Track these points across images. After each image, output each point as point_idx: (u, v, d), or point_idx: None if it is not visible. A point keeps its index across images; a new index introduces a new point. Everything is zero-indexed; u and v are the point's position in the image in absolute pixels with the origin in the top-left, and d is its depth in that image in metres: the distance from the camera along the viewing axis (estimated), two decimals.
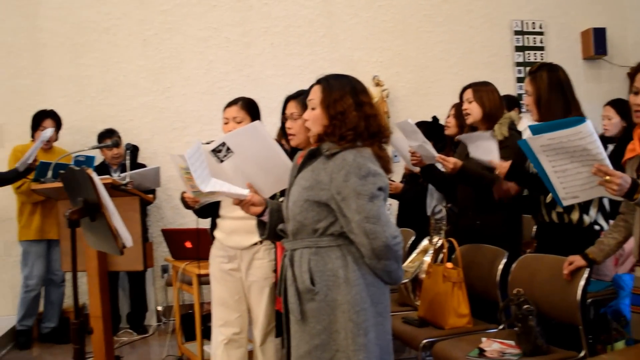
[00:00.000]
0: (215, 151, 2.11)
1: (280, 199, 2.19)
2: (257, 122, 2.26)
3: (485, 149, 2.73)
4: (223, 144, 2.11)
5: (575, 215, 2.57)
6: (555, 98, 2.53)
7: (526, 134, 4.03)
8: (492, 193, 2.87)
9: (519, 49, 5.89)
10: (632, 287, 2.45)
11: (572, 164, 1.97)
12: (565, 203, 2.10)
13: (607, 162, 1.92)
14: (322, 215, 1.84)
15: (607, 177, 1.88)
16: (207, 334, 3.40)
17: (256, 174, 2.14)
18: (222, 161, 2.11)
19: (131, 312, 4.76)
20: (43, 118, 4.37)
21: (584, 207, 2.56)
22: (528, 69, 5.72)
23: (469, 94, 3.04)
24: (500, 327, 2.64)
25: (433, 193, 3.64)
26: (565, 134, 1.91)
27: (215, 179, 2.03)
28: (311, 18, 5.40)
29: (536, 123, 2.42)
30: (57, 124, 4.42)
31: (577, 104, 2.57)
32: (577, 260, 2.32)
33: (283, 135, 2.39)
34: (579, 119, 1.93)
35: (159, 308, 4.96)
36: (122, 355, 3.78)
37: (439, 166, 3.08)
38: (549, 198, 2.60)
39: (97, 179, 2.28)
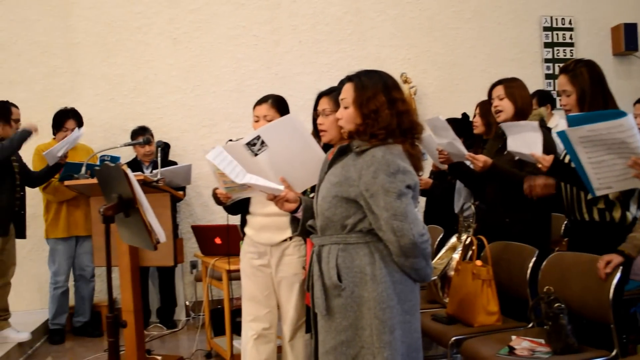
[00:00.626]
0: (250, 144, 2.10)
1: (311, 195, 2.20)
2: (292, 114, 2.25)
3: (527, 140, 2.63)
4: (258, 137, 2.09)
5: (617, 213, 2.48)
6: (598, 94, 2.47)
7: (556, 131, 3.97)
8: (522, 190, 2.82)
9: (547, 45, 5.82)
10: None
11: (609, 155, 1.99)
12: (598, 193, 2.13)
13: None
14: (351, 211, 1.85)
15: None
16: (236, 329, 3.45)
17: (290, 168, 2.14)
18: (256, 155, 2.11)
19: (161, 307, 4.85)
20: (65, 117, 4.41)
21: (624, 203, 2.49)
22: (560, 66, 5.68)
23: (499, 90, 2.99)
24: (530, 325, 2.62)
25: (461, 190, 3.62)
26: (605, 127, 1.92)
27: (250, 174, 2.05)
28: (339, 16, 5.42)
29: (574, 114, 2.39)
30: (79, 122, 4.47)
31: (613, 99, 2.50)
32: (615, 257, 2.26)
33: (315, 131, 2.40)
34: (618, 112, 1.95)
35: (188, 303, 5.04)
36: (153, 349, 3.86)
37: (468, 163, 3.05)
38: (589, 195, 2.54)
39: (132, 175, 2.33)
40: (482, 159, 2.83)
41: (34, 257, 4.90)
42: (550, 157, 2.49)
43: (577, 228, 2.67)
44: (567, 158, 2.54)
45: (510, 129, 2.77)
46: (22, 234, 4.09)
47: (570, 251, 2.67)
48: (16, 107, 3.94)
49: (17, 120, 3.91)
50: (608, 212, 2.50)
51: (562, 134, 2.06)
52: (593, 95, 2.46)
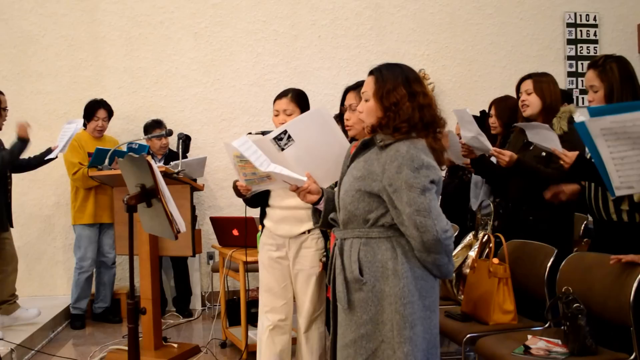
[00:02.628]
0: (277, 139, 2.10)
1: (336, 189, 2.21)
2: (321, 107, 2.24)
3: (544, 137, 2.61)
4: (285, 132, 2.09)
5: None
6: (628, 91, 2.38)
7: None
8: (546, 188, 2.77)
9: (570, 42, 5.73)
10: None
11: (633, 151, 1.83)
12: (618, 193, 1.97)
13: None
14: (373, 206, 1.85)
15: None
16: (251, 320, 3.50)
17: (317, 162, 2.14)
18: (283, 149, 2.11)
19: (177, 296, 4.92)
20: (96, 108, 4.54)
21: None
22: (583, 63, 5.62)
23: (528, 84, 2.92)
24: (547, 325, 2.61)
25: (479, 186, 3.59)
26: (631, 118, 1.77)
27: (274, 164, 2.05)
28: (358, 11, 5.41)
29: (596, 106, 2.29)
30: (109, 113, 4.59)
31: None
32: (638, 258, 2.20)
33: (341, 126, 2.41)
34: None
35: (204, 293, 5.11)
36: (169, 337, 3.92)
37: (492, 159, 3.02)
38: None
39: (155, 166, 2.37)
40: (508, 154, 2.78)
41: (60, 245, 5.00)
42: (574, 154, 2.44)
43: (602, 228, 2.58)
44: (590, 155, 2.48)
45: (527, 127, 2.74)
46: (9, 223, 4.01)
47: (593, 251, 2.61)
48: (2, 94, 3.90)
49: (5, 109, 3.89)
50: (637, 212, 2.41)
51: (581, 125, 1.89)
52: (622, 92, 2.38)
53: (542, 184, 2.79)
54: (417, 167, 1.77)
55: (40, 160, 4.15)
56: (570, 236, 2.98)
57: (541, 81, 2.91)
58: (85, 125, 4.52)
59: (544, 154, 2.83)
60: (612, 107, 1.87)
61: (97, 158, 4.05)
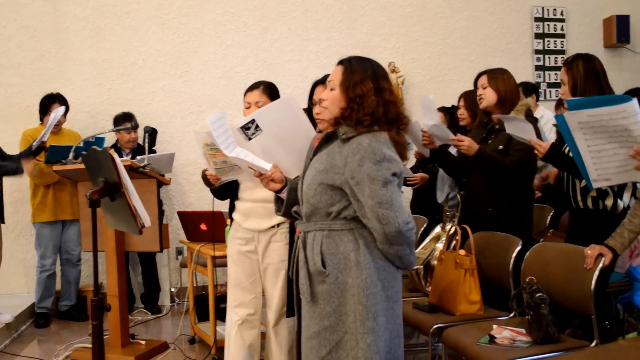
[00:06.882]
0: (244, 128, 2.08)
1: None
2: (289, 96, 2.23)
3: (521, 128, 2.69)
4: (252, 121, 2.08)
5: (609, 201, 2.54)
6: (591, 87, 2.55)
7: (543, 121, 3.99)
8: (505, 179, 2.86)
9: (538, 36, 5.81)
10: None
11: (610, 144, 1.86)
12: (596, 185, 2.01)
13: None
14: (336, 198, 1.85)
15: None
16: (219, 315, 3.47)
17: (284, 152, 2.13)
18: (250, 139, 2.09)
19: (145, 292, 4.85)
20: (51, 102, 4.42)
21: (618, 192, 2.53)
22: (550, 57, 5.70)
23: (483, 79, 3.03)
24: (512, 315, 2.64)
25: (444, 180, 3.63)
26: (607, 112, 1.80)
27: (240, 148, 2.03)
28: (329, 3, 5.39)
29: (574, 98, 2.38)
30: (65, 106, 4.45)
31: (612, 93, 2.55)
32: (607, 254, 2.26)
33: (310, 120, 2.39)
34: (622, 96, 1.82)
35: (173, 289, 5.05)
36: (137, 334, 3.87)
37: (452, 150, 3.06)
38: (583, 182, 2.54)
39: (119, 160, 2.33)
40: (467, 141, 2.85)
41: (21, 242, 4.88)
42: (547, 144, 2.56)
43: (575, 216, 2.73)
44: (567, 149, 2.55)
45: (505, 119, 2.81)
46: (1, 220, 4.04)
47: (569, 240, 2.71)
48: None
49: None
50: (601, 200, 2.55)
51: (560, 118, 1.92)
52: (585, 87, 2.55)
53: (500, 174, 2.87)
54: (379, 160, 1.78)
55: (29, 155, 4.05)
56: (529, 227, 3.03)
57: (496, 76, 3.01)
58: (42, 120, 4.41)
59: (500, 147, 2.91)
60: (589, 101, 1.90)
61: (51, 155, 3.96)
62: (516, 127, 2.72)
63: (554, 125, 2.69)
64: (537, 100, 4.84)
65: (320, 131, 2.26)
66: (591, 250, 2.30)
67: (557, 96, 5.65)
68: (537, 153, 2.59)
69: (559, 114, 1.98)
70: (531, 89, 4.77)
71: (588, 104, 1.85)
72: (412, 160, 3.82)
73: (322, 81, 2.36)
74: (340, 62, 1.93)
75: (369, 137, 1.81)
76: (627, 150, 1.83)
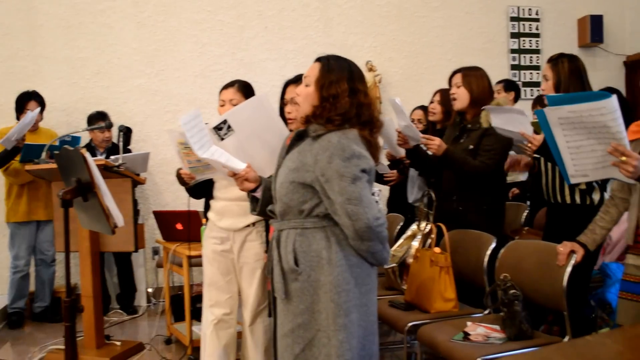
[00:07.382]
0: (217, 129, 2.08)
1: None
2: (262, 94, 2.22)
3: (514, 120, 2.68)
4: (224, 122, 2.08)
5: (597, 196, 2.58)
6: (574, 85, 2.61)
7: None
8: (474, 179, 2.88)
9: (514, 35, 5.87)
10: (619, 275, 2.45)
11: (588, 140, 1.88)
12: (573, 181, 2.03)
13: (626, 142, 1.84)
14: (308, 196, 1.85)
15: (623, 158, 1.81)
16: (196, 315, 3.44)
17: (257, 152, 2.13)
18: (222, 139, 2.09)
19: (121, 293, 4.79)
20: (27, 100, 4.35)
21: (603, 185, 2.58)
22: (525, 56, 5.77)
23: (457, 78, 3.02)
24: (486, 311, 2.66)
25: (414, 179, 3.64)
26: (587, 108, 1.81)
27: (215, 147, 2.02)
28: (306, 2, 5.38)
29: (555, 94, 2.41)
30: (41, 105, 4.39)
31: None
32: (579, 251, 2.28)
33: (282, 120, 2.39)
34: (603, 93, 1.82)
35: (149, 290, 5.00)
36: (112, 335, 3.82)
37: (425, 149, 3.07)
38: None
39: (91, 159, 2.30)
40: (437, 141, 2.86)
41: None
42: (540, 137, 2.54)
43: (556, 212, 2.74)
44: None
45: (496, 110, 2.80)
46: None
47: (546, 236, 2.74)
48: None
49: None
50: (588, 194, 2.58)
51: (540, 113, 1.94)
52: (569, 84, 2.61)
53: (469, 175, 2.89)
54: (347, 157, 1.79)
55: (6, 155, 3.99)
56: (500, 225, 3.05)
57: (469, 75, 3.00)
58: (18, 118, 4.32)
59: (471, 147, 2.93)
60: (569, 97, 1.90)
61: (26, 154, 3.90)
62: (506, 120, 2.70)
63: (532, 124, 2.69)
64: (517, 99, 4.85)
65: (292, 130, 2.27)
66: (563, 247, 2.33)
67: (532, 95, 5.72)
68: (530, 147, 2.56)
69: (539, 109, 1.99)
70: (513, 86, 4.81)
71: (568, 100, 1.87)
72: (384, 162, 3.84)
73: (294, 81, 2.36)
74: (318, 60, 1.93)
75: (338, 134, 1.82)
76: (605, 146, 1.85)
